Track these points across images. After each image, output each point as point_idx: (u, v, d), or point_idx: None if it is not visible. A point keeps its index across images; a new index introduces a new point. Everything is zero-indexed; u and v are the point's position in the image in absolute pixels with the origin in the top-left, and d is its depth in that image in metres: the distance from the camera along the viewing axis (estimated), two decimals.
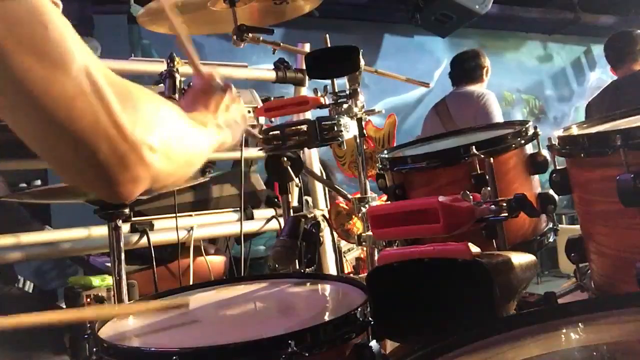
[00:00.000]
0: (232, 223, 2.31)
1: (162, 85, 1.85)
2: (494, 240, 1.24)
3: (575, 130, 1.21)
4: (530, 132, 1.35)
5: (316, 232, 1.40)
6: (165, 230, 2.15)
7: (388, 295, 1.02)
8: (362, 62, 1.50)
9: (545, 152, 1.31)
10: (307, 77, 2.38)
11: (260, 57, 4.20)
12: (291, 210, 1.72)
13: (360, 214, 1.58)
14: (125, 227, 1.98)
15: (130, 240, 2.03)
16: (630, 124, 1.11)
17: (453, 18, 5.41)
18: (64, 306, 2.01)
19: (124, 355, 0.96)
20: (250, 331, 1.03)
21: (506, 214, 1.09)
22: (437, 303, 0.98)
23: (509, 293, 1.02)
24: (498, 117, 3.72)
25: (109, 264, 1.90)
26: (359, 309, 0.99)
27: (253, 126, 1.89)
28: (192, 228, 2.18)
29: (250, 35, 1.87)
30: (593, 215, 1.10)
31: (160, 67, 1.92)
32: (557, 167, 1.19)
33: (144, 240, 2.07)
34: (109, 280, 1.95)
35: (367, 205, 1.55)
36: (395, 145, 1.97)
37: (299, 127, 1.42)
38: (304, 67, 1.87)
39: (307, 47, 2.35)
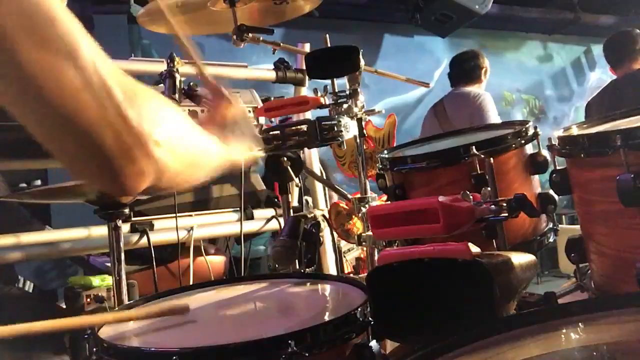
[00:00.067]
0: (232, 223, 2.31)
1: (162, 85, 1.85)
2: (494, 240, 1.24)
3: (575, 130, 1.21)
4: (530, 132, 1.35)
5: (316, 232, 1.40)
6: (165, 230, 2.15)
7: (388, 295, 1.02)
8: (362, 62, 1.50)
9: (545, 152, 1.31)
10: (307, 77, 2.38)
11: (260, 57, 4.20)
12: (291, 210, 1.72)
13: (360, 214, 1.58)
14: (125, 227, 1.98)
15: (130, 240, 2.03)
16: (630, 124, 1.11)
17: (453, 18, 5.41)
18: (64, 306, 2.01)
19: (124, 355, 0.96)
20: (250, 331, 1.03)
21: (506, 214, 1.09)
22: (437, 303, 0.98)
23: (509, 293, 1.02)
24: (493, 118, 3.72)
25: (109, 264, 1.90)
26: (359, 309, 0.99)
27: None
28: (192, 228, 2.18)
29: (250, 35, 1.87)
30: (593, 215, 1.11)
31: (160, 67, 1.92)
32: (557, 167, 1.19)
33: (144, 240, 2.07)
34: (109, 280, 1.95)
35: (367, 205, 1.55)
36: (395, 145, 1.97)
37: (299, 127, 1.42)
38: (304, 67, 1.87)
39: (307, 47, 2.35)
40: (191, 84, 1.85)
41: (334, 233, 2.01)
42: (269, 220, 2.36)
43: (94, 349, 0.99)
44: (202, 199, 2.32)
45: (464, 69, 3.97)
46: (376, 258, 1.31)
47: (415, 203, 1.14)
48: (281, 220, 2.22)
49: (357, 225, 2.06)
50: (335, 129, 1.43)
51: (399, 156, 1.44)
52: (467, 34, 5.95)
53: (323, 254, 2.27)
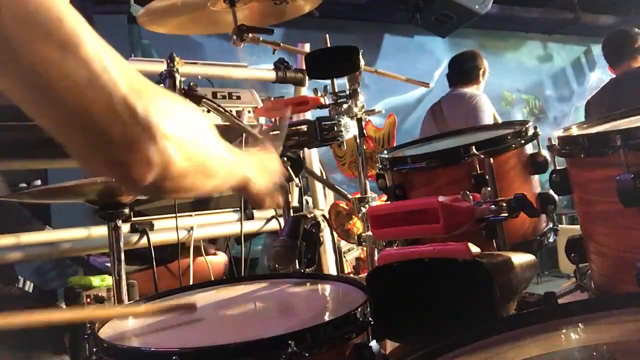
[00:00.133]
0: (232, 223, 2.31)
1: (162, 85, 1.85)
2: (494, 240, 1.24)
3: (575, 131, 1.21)
4: (530, 132, 1.35)
5: (316, 232, 1.40)
6: (165, 230, 2.15)
7: (388, 295, 1.02)
8: (362, 62, 1.50)
9: (545, 152, 1.31)
10: (307, 77, 2.38)
11: (260, 57, 4.19)
12: (291, 210, 1.72)
13: (360, 214, 1.58)
14: (125, 227, 1.98)
15: (130, 240, 2.03)
16: (630, 124, 1.11)
17: (453, 18, 5.41)
18: (64, 306, 2.01)
19: (124, 355, 0.96)
20: (250, 331, 1.03)
21: (506, 214, 1.09)
22: (437, 303, 0.98)
23: (509, 293, 1.02)
24: (488, 119, 3.72)
25: (109, 264, 1.91)
26: (359, 309, 0.99)
27: (253, 126, 1.89)
28: (192, 228, 2.18)
29: (250, 35, 1.87)
30: (593, 215, 1.10)
31: (160, 67, 1.92)
32: (557, 167, 1.19)
33: (144, 240, 2.07)
34: (109, 280, 1.96)
35: (367, 205, 1.55)
36: (395, 145, 1.97)
37: (299, 127, 1.42)
38: (304, 67, 1.87)
39: (307, 47, 2.35)
40: (191, 84, 1.84)
41: (334, 233, 2.01)
42: (269, 220, 2.36)
43: (94, 349, 0.99)
44: (202, 199, 2.32)
45: (462, 70, 3.98)
46: (376, 258, 1.31)
47: (415, 203, 1.15)
48: (281, 220, 2.22)
49: (357, 225, 2.06)
50: (335, 129, 1.43)
51: (399, 156, 1.44)
52: (467, 34, 5.95)
53: (323, 254, 2.27)
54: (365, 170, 1.59)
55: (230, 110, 1.93)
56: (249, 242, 2.60)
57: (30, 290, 2.45)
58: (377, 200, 1.61)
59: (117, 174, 0.68)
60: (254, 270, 2.90)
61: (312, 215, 1.51)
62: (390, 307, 1.01)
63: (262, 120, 2.08)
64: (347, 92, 1.54)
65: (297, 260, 1.37)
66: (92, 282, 1.97)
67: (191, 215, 2.24)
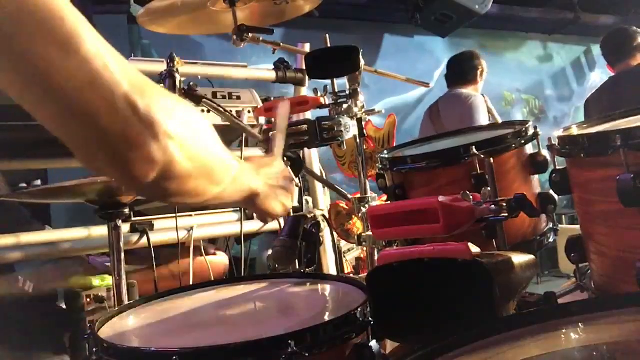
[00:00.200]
0: (232, 223, 2.31)
1: (162, 85, 1.85)
2: (494, 240, 1.23)
3: (575, 130, 1.21)
4: (530, 132, 1.35)
5: (316, 232, 1.40)
6: (165, 230, 2.15)
7: (388, 295, 1.02)
8: (362, 62, 1.50)
9: (545, 152, 1.31)
10: (307, 77, 2.38)
11: (260, 57, 4.20)
12: (291, 210, 1.72)
13: (360, 214, 1.58)
14: (125, 227, 1.98)
15: (130, 240, 2.03)
16: (630, 124, 1.11)
17: (453, 18, 5.41)
18: (64, 306, 2.01)
19: (124, 355, 0.96)
20: (250, 331, 1.03)
21: (506, 214, 1.09)
22: (437, 303, 0.98)
23: (509, 293, 1.02)
24: (483, 120, 3.71)
25: (109, 264, 1.91)
26: (359, 309, 0.99)
27: (253, 126, 1.90)
28: (192, 228, 2.19)
29: (250, 35, 1.87)
30: (593, 215, 1.10)
31: (160, 67, 1.92)
32: (557, 167, 1.18)
33: (144, 240, 2.07)
34: (109, 280, 1.95)
35: (367, 205, 1.55)
36: (395, 145, 1.97)
37: (299, 127, 1.42)
38: (304, 67, 1.87)
39: (307, 47, 2.35)
40: (191, 84, 1.85)
41: (334, 233, 2.01)
42: None
43: (94, 349, 0.99)
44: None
45: (459, 70, 3.98)
46: (376, 258, 1.31)
47: (415, 203, 1.14)
48: (281, 220, 2.22)
49: (357, 225, 2.06)
50: (335, 129, 1.43)
51: (399, 156, 1.44)
52: (467, 34, 5.95)
53: (323, 254, 2.27)
54: (365, 170, 1.59)
55: (230, 110, 1.93)
56: (249, 242, 2.60)
57: (30, 290, 2.45)
58: (377, 200, 1.61)
59: (119, 172, 0.67)
60: (253, 270, 2.91)
61: (312, 215, 1.51)
62: (390, 307, 1.01)
63: (262, 120, 2.08)
64: (347, 92, 1.53)
65: (297, 260, 1.37)
66: (92, 282, 1.97)
67: (191, 215, 2.24)
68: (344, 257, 2.54)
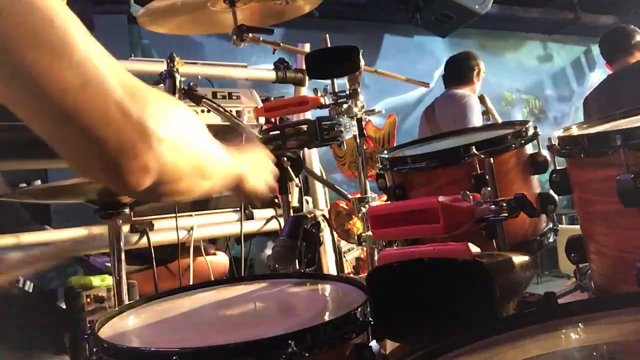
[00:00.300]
0: (232, 223, 2.31)
1: (162, 85, 1.85)
2: (494, 240, 1.23)
3: (575, 131, 1.21)
4: (530, 132, 1.35)
5: (316, 232, 1.40)
6: (165, 230, 2.15)
7: (388, 295, 1.02)
8: (362, 62, 1.50)
9: (545, 152, 1.31)
10: (307, 77, 2.38)
11: (260, 57, 4.20)
12: (291, 210, 1.73)
13: (360, 214, 1.58)
14: (125, 227, 1.98)
15: (130, 240, 2.03)
16: (630, 124, 1.11)
17: (453, 18, 5.41)
18: (64, 306, 2.01)
19: (124, 355, 0.96)
20: (250, 331, 1.03)
21: (506, 214, 1.09)
22: (437, 303, 0.98)
23: (509, 293, 1.02)
24: (477, 119, 3.71)
25: (109, 264, 1.91)
26: (359, 309, 0.99)
27: (253, 126, 1.90)
28: (192, 228, 2.19)
29: (250, 35, 1.87)
30: (593, 215, 1.10)
31: (160, 67, 1.92)
32: (557, 167, 1.18)
33: (144, 240, 2.07)
34: (109, 280, 1.95)
35: (367, 205, 1.55)
36: (395, 145, 1.97)
37: (299, 127, 1.42)
38: (304, 67, 1.88)
39: (307, 47, 2.36)
40: (191, 84, 1.85)
41: (334, 233, 2.01)
42: (269, 220, 2.36)
43: (94, 349, 0.99)
44: (202, 199, 2.32)
45: (456, 71, 4.00)
46: (376, 258, 1.31)
47: (415, 203, 1.14)
48: (281, 220, 2.22)
49: (357, 225, 2.06)
50: (335, 129, 1.43)
51: (399, 156, 1.44)
52: (467, 34, 5.95)
53: (323, 254, 2.27)
54: (365, 170, 1.59)
55: (230, 110, 1.93)
56: (249, 242, 2.60)
57: (30, 290, 2.45)
58: (377, 200, 1.61)
59: (113, 181, 0.67)
60: (253, 270, 2.91)
61: (312, 215, 1.51)
62: (390, 307, 1.01)
63: (262, 120, 2.09)
64: (347, 92, 1.54)
65: (297, 260, 1.37)
66: (92, 282, 1.97)
67: (191, 215, 2.24)
68: (344, 257, 2.54)
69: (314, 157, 2.42)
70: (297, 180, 1.62)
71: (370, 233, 1.47)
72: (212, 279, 2.18)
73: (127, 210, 1.67)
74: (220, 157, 0.84)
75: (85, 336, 1.04)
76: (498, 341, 0.85)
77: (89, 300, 1.91)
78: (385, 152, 1.53)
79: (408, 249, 1.15)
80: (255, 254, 3.21)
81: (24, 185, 3.30)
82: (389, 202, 1.42)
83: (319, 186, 2.48)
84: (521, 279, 1.06)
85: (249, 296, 1.28)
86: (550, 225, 1.37)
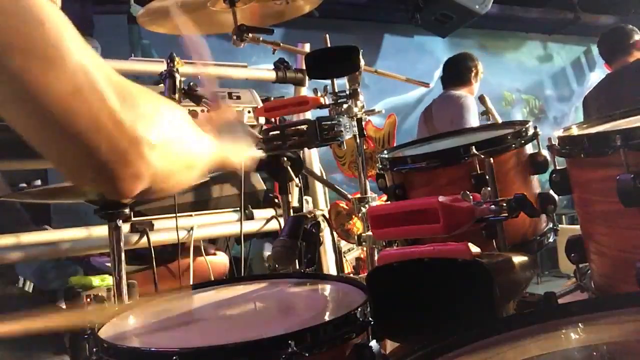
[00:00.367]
0: (232, 223, 2.31)
1: (162, 85, 1.86)
2: (494, 240, 1.23)
3: (575, 131, 1.21)
4: (530, 132, 1.35)
5: (316, 232, 1.40)
6: (165, 230, 2.15)
7: (388, 295, 1.02)
8: (362, 62, 1.50)
9: (545, 152, 1.31)
10: (307, 77, 2.38)
11: (260, 57, 4.20)
12: (291, 210, 1.73)
13: (360, 214, 1.58)
14: (125, 227, 1.98)
15: (130, 240, 2.03)
16: (630, 124, 1.11)
17: (453, 18, 5.41)
18: (64, 306, 2.01)
19: (124, 355, 0.96)
20: (250, 331, 1.03)
21: (506, 214, 1.09)
22: (437, 303, 0.98)
23: (509, 293, 1.02)
24: (474, 120, 3.72)
25: (109, 264, 1.90)
26: (359, 309, 0.99)
27: (253, 126, 1.90)
28: (192, 228, 2.18)
29: (250, 35, 1.87)
30: (593, 215, 1.10)
31: (160, 67, 1.93)
32: (557, 167, 1.18)
33: (144, 240, 2.07)
34: (109, 280, 1.96)
35: (367, 205, 1.55)
36: (395, 145, 1.97)
37: (299, 127, 1.42)
38: (304, 67, 1.88)
39: (307, 47, 2.36)
40: (191, 84, 1.85)
41: (334, 233, 2.01)
42: (269, 220, 2.36)
43: (94, 349, 0.99)
44: (202, 199, 2.32)
45: (454, 72, 4.01)
46: (376, 258, 1.31)
47: (415, 203, 1.14)
48: (281, 220, 2.22)
49: (357, 225, 2.06)
50: (335, 129, 1.43)
51: (399, 156, 1.44)
52: (467, 34, 5.95)
53: (323, 254, 2.27)
54: (365, 170, 1.59)
55: None
56: (249, 242, 2.60)
57: (30, 290, 2.45)
58: (377, 200, 1.61)
59: (105, 188, 0.66)
60: (251, 270, 2.90)
61: (312, 215, 1.51)
62: (390, 307, 1.01)
63: (262, 120, 2.08)
64: (347, 92, 1.54)
65: (297, 260, 1.37)
66: (92, 282, 1.97)
67: (191, 215, 2.24)
68: (344, 257, 2.54)
69: (314, 157, 2.42)
70: (297, 180, 1.62)
71: (370, 233, 1.47)
72: (212, 279, 2.18)
73: (127, 210, 1.67)
74: (204, 146, 0.85)
75: (85, 336, 1.04)
76: (498, 341, 0.85)
77: (89, 300, 1.91)
78: (385, 152, 1.53)
79: (408, 249, 1.15)
80: (253, 254, 3.21)
81: (24, 185, 3.30)
82: (389, 202, 1.42)
83: (319, 186, 2.48)
84: (521, 279, 1.06)
85: (248, 296, 1.28)
86: (550, 225, 1.37)
